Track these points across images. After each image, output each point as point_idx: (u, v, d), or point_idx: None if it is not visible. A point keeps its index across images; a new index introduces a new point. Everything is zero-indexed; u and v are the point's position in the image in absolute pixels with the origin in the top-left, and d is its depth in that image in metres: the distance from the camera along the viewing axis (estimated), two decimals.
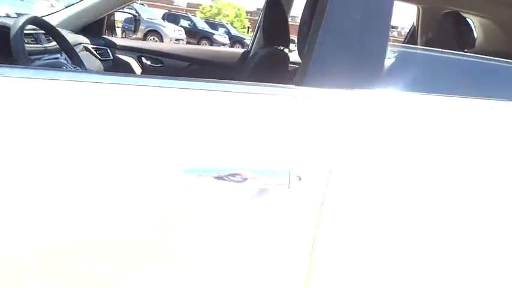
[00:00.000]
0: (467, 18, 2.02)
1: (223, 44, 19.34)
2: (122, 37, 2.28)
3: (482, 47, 2.05)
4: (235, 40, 22.22)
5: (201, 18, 21.44)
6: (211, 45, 18.21)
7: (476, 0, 2.00)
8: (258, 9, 68.78)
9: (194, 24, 18.61)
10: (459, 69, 1.06)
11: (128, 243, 0.75)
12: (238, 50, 3.42)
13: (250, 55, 2.28)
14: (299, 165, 0.77)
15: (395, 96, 0.86)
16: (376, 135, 0.80)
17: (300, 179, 0.76)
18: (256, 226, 0.79)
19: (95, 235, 0.74)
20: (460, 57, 1.14)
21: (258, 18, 2.41)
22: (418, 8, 2.34)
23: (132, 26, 2.32)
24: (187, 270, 0.79)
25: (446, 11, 2.07)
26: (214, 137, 0.77)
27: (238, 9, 45.22)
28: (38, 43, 1.46)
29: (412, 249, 0.82)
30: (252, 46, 2.36)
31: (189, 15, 21.65)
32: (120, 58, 2.18)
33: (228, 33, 22.76)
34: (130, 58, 2.23)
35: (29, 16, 1.26)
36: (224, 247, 0.79)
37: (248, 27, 40.87)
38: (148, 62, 2.27)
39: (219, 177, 0.75)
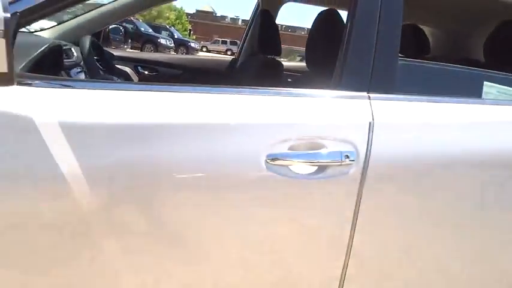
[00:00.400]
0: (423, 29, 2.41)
1: (168, 48, 19.22)
2: (112, 48, 2.42)
3: (434, 53, 2.45)
4: (179, 43, 22.12)
5: (141, 21, 21.08)
6: (156, 48, 18.02)
7: (427, 15, 2.40)
8: (197, 11, 68.09)
9: (137, 27, 18.26)
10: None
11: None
12: (226, 57, 3.64)
13: (240, 63, 2.51)
14: (346, 148, 1.05)
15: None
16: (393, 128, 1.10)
17: (347, 157, 1.04)
18: (318, 193, 1.06)
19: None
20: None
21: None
22: None
23: (119, 36, 2.46)
24: (274, 232, 1.06)
25: (405, 23, 2.46)
26: (287, 131, 1.03)
27: (179, 12, 44.81)
28: (68, 58, 1.60)
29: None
30: (239, 54, 2.59)
31: (131, 18, 21.21)
32: (118, 68, 2.32)
33: (172, 36, 22.61)
34: (127, 68, 2.38)
35: (90, 37, 1.41)
36: (297, 209, 1.06)
37: (190, 30, 40.66)
38: (145, 72, 2.43)
39: (292, 159, 1.02)
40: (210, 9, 73.88)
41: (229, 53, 41.79)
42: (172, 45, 19.78)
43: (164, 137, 0.96)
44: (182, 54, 22.34)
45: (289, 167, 1.02)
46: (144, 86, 1.09)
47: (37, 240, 0.93)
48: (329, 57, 1.25)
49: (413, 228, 1.16)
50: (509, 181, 1.19)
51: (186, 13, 49.09)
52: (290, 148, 1.02)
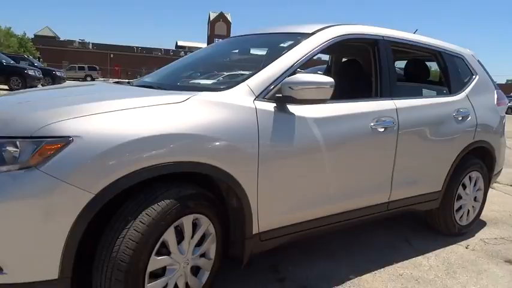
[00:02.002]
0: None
1: (38, 79, 18.19)
2: None
3: None
4: (44, 73, 20.92)
5: None
6: (25, 81, 16.99)
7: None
8: (36, 35, 62.05)
9: None
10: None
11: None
12: None
13: None
14: (391, 119, 2.57)
15: None
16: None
17: (393, 123, 2.56)
18: (385, 140, 2.57)
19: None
20: None
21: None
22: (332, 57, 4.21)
23: None
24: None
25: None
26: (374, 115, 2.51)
27: (21, 38, 40.88)
28: None
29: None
30: None
31: None
32: None
33: (33, 65, 21.21)
34: None
35: None
36: (376, 149, 2.54)
37: (39, 58, 37.57)
38: None
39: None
40: (51, 34, 68.51)
41: (89, 79, 39.97)
42: (41, 75, 18.74)
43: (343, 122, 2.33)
44: (49, 84, 21.17)
45: (379, 129, 2.48)
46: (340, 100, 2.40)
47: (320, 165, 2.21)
48: None
49: (419, 152, 2.76)
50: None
51: (30, 39, 44.91)
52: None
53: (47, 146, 1.52)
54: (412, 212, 3.13)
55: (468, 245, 3.18)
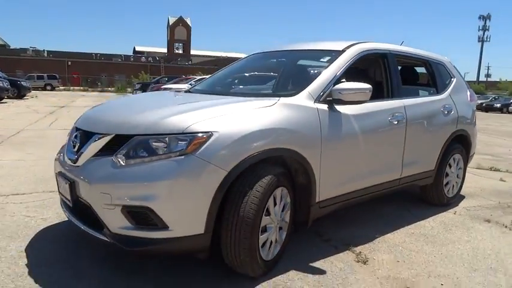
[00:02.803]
0: None
1: (6, 90, 17.94)
2: None
3: None
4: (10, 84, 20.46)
5: None
6: None
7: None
8: None
9: None
10: None
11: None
12: None
13: None
14: (402, 115, 3.37)
15: None
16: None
17: (404, 117, 3.36)
18: (397, 131, 3.37)
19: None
20: None
21: None
22: None
23: None
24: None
25: None
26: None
27: None
28: None
29: None
30: None
31: None
32: None
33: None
34: None
35: None
36: (393, 135, 3.33)
37: None
38: None
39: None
40: (0, 42, 65.57)
41: (49, 88, 38.91)
42: (9, 86, 18.45)
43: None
44: (14, 95, 20.74)
45: (394, 122, 3.26)
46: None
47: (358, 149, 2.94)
48: None
49: (420, 139, 3.57)
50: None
51: None
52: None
53: (198, 139, 2.16)
54: (408, 189, 3.96)
55: (455, 212, 4.05)
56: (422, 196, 4.21)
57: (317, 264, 2.73)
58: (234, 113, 2.37)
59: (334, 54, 3.14)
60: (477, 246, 3.18)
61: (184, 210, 2.14)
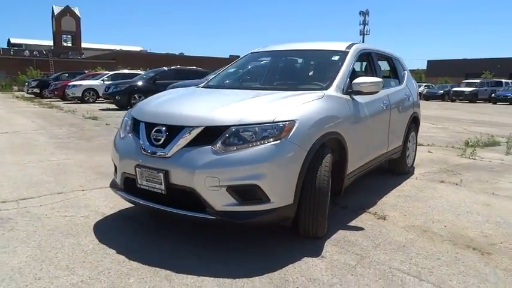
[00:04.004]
0: None
1: None
2: None
3: None
4: None
5: None
6: None
7: None
8: None
9: None
10: None
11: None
12: None
13: None
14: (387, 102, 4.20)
15: None
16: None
17: (388, 103, 4.19)
18: (386, 115, 4.18)
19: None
20: None
21: None
22: None
23: None
24: None
25: None
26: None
27: None
28: None
29: None
30: None
31: None
32: None
33: None
34: None
35: None
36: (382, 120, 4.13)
37: None
38: None
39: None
40: None
41: None
42: None
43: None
44: None
45: (384, 108, 4.05)
46: None
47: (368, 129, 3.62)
48: None
49: (396, 121, 4.44)
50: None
51: None
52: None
53: (287, 126, 2.64)
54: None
55: (416, 178, 5.07)
56: (390, 168, 5.15)
57: (352, 224, 3.39)
58: (302, 104, 2.88)
59: (341, 54, 3.80)
60: (448, 199, 4.17)
61: (281, 185, 2.61)
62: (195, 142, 2.67)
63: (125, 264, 2.57)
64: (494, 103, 28.39)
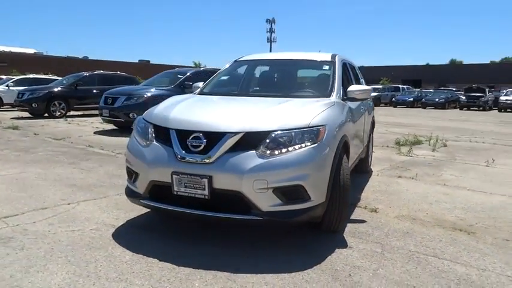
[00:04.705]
0: None
1: None
2: None
3: None
4: None
5: None
6: None
7: None
8: None
9: None
10: None
11: None
12: None
13: None
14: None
15: None
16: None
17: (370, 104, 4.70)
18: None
19: None
20: None
21: None
22: None
23: None
24: None
25: None
26: None
27: None
28: None
29: None
30: None
31: None
32: None
33: None
34: None
35: None
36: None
37: None
38: None
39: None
40: None
41: None
42: None
43: None
44: None
45: (362, 111, 4.52)
46: None
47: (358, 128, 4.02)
48: None
49: (366, 123, 4.94)
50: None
51: None
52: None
53: (321, 130, 2.89)
54: None
55: (378, 174, 5.67)
56: (357, 167, 5.67)
57: (354, 217, 3.76)
58: (325, 110, 3.16)
59: (329, 63, 4.18)
60: (415, 191, 4.78)
61: (319, 184, 2.85)
62: (235, 148, 2.78)
63: (178, 271, 2.58)
64: (395, 106, 31.81)
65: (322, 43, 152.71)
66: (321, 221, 3.14)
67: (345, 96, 3.84)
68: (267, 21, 74.28)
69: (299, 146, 2.80)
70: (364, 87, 3.91)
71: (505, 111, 26.50)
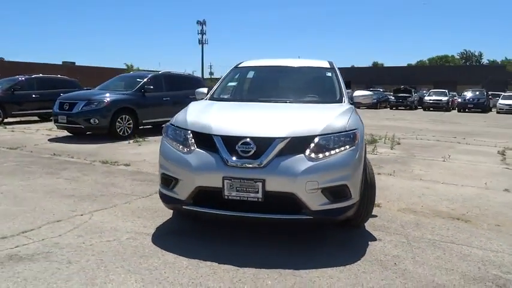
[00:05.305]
0: None
1: None
2: None
3: None
4: None
5: None
6: None
7: None
8: None
9: None
10: None
11: None
12: None
13: None
14: None
15: None
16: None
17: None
18: None
19: None
20: None
21: None
22: None
23: None
24: None
25: None
26: None
27: None
28: None
29: None
30: None
31: None
32: None
33: None
34: None
35: None
36: None
37: None
38: None
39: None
40: None
41: None
42: None
43: None
44: None
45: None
46: None
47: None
48: None
49: None
50: None
51: None
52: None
53: (356, 134, 3.17)
54: None
55: None
56: None
57: None
58: (351, 115, 3.44)
59: (330, 70, 4.50)
60: (401, 187, 5.25)
61: (357, 183, 3.13)
62: (282, 152, 2.96)
63: (243, 271, 2.69)
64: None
65: (253, 45, 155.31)
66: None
67: (351, 101, 4.16)
68: (197, 22, 72.98)
69: (340, 148, 3.05)
70: (367, 92, 4.27)
71: (429, 110, 29.15)
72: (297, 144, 2.99)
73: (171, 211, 3.97)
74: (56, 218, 3.75)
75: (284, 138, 2.98)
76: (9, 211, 3.94)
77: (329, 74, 4.51)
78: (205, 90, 4.61)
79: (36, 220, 3.66)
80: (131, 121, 9.86)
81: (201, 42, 73.00)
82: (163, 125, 3.73)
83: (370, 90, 39.87)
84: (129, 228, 3.51)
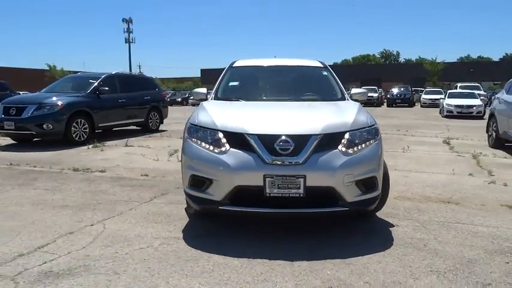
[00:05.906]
0: None
1: None
2: None
3: None
4: None
5: None
6: None
7: None
8: None
9: None
10: None
11: None
12: None
13: None
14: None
15: None
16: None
17: None
18: None
19: None
20: None
21: None
22: None
23: None
24: None
25: None
26: None
27: None
28: None
29: None
30: None
31: None
32: None
33: None
34: None
35: None
36: None
37: None
38: None
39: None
40: None
41: None
42: None
43: None
44: None
45: None
46: None
47: None
48: None
49: None
50: None
51: None
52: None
53: (377, 128, 3.39)
54: None
55: None
56: None
57: None
58: (365, 112, 3.67)
59: (325, 69, 4.71)
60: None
61: (381, 175, 3.35)
62: (318, 148, 3.08)
63: (298, 265, 2.78)
64: None
65: (186, 43, 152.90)
66: None
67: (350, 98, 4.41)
68: (123, 20, 69.21)
69: (366, 143, 3.26)
70: (363, 90, 4.55)
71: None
72: (330, 141, 3.13)
73: (185, 214, 3.91)
74: (65, 230, 3.51)
75: (319, 135, 3.10)
76: (5, 226, 3.60)
77: (325, 73, 4.71)
78: (204, 90, 4.57)
79: (45, 234, 3.40)
80: (87, 125, 9.31)
81: (128, 41, 70.01)
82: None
83: None
84: (154, 234, 3.40)
